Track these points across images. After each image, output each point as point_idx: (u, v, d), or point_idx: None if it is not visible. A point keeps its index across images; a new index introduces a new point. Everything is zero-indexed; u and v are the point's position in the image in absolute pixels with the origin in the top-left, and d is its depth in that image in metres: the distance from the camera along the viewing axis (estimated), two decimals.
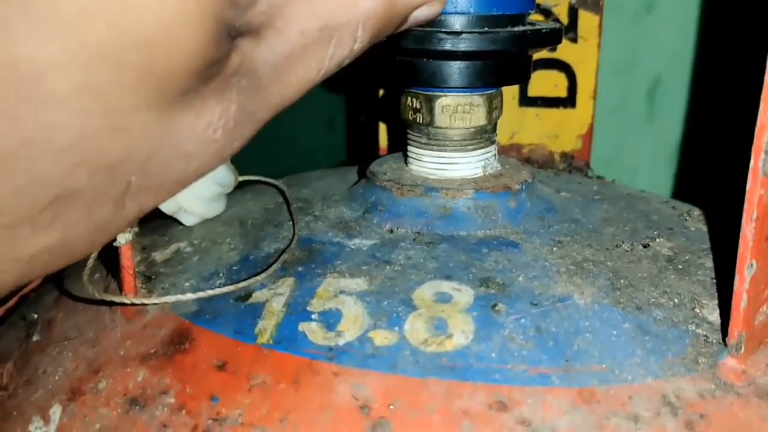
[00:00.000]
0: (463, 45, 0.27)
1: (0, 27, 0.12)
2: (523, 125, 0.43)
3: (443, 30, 0.27)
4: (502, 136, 0.43)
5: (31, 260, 0.15)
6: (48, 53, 0.13)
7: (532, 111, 0.43)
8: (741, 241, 0.21)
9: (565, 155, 0.43)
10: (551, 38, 0.28)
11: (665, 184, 0.63)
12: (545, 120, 0.43)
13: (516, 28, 0.28)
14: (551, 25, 0.29)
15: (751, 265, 0.21)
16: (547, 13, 0.41)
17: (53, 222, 0.14)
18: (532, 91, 0.43)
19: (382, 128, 0.43)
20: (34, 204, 0.14)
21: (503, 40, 0.27)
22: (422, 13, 0.21)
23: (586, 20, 0.41)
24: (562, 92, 0.42)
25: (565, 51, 0.41)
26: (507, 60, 0.28)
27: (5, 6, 0.12)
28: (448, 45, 0.27)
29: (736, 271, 0.22)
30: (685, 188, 0.62)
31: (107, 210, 0.15)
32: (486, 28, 0.27)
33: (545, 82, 0.42)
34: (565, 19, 0.41)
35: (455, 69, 0.28)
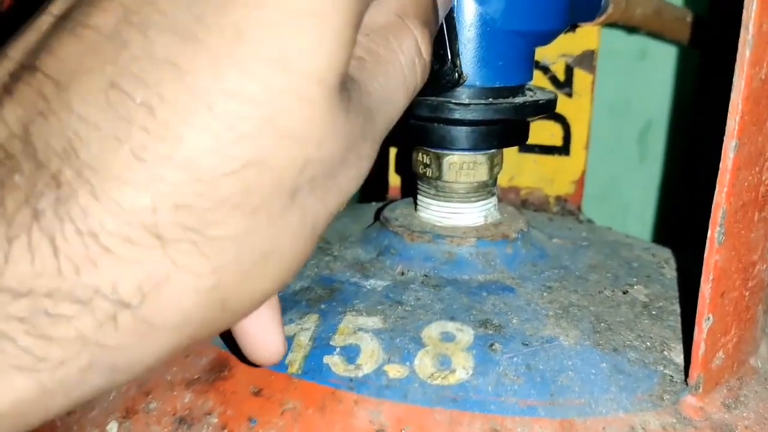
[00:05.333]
0: (470, 114, 0.31)
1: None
2: (522, 170, 0.47)
3: (453, 101, 0.31)
4: (503, 179, 0.47)
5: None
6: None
7: (530, 157, 0.47)
8: (699, 298, 0.25)
9: (559, 198, 0.47)
10: (547, 108, 0.33)
11: (654, 219, 0.67)
12: (542, 166, 0.47)
13: (516, 99, 0.32)
14: (547, 95, 0.33)
15: (708, 318, 0.25)
16: (545, 69, 0.45)
17: None
18: (531, 139, 0.46)
19: (393, 170, 0.47)
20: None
21: (505, 110, 0.31)
22: None
23: (581, 78, 0.45)
24: (558, 141, 0.46)
25: (561, 104, 0.45)
26: (508, 126, 0.33)
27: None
28: (456, 114, 0.31)
29: (696, 323, 0.26)
30: (672, 225, 0.66)
31: None
32: (490, 99, 0.31)
33: (543, 132, 0.46)
34: (561, 75, 0.45)
35: (462, 133, 0.32)
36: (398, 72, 0.20)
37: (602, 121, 0.56)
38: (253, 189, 0.17)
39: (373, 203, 0.45)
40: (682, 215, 0.65)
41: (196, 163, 0.16)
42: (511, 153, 0.47)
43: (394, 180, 0.48)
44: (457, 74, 0.30)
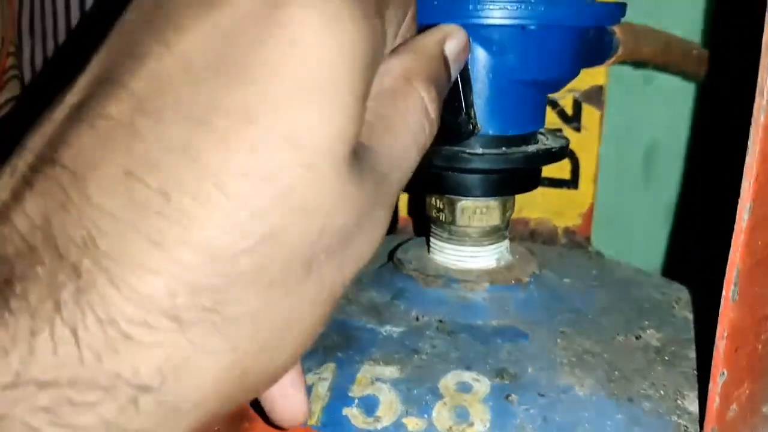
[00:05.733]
0: (484, 164, 0.31)
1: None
2: (531, 201, 0.48)
3: (467, 150, 0.31)
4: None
5: None
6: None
7: (539, 189, 0.47)
8: (714, 354, 0.26)
9: (567, 230, 0.48)
10: (559, 156, 0.33)
11: (660, 243, 0.67)
12: (550, 198, 0.47)
13: (530, 147, 0.32)
14: (559, 142, 0.34)
15: (723, 373, 0.26)
16: (553, 104, 0.46)
17: None
18: None
19: (403, 202, 0.48)
20: None
21: (518, 159, 0.32)
22: (452, 47, 0.23)
23: (589, 113, 0.45)
24: (566, 175, 0.47)
25: (570, 138, 0.46)
26: (521, 174, 0.33)
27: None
28: (471, 164, 0.31)
29: (711, 378, 0.26)
30: (678, 247, 0.67)
31: None
32: (503, 148, 0.32)
33: (552, 165, 0.47)
34: (570, 110, 0.46)
35: (476, 181, 0.33)
36: (407, 133, 0.21)
37: (608, 145, 0.57)
38: (268, 264, 0.17)
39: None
40: (687, 239, 0.66)
41: (211, 244, 0.16)
42: None
43: (404, 211, 0.49)
44: (471, 125, 0.30)
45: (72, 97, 0.18)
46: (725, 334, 0.25)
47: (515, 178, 0.33)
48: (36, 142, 0.17)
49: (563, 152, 0.33)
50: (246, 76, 0.17)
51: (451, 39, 0.23)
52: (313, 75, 0.17)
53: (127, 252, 0.16)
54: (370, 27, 0.18)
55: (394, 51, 0.22)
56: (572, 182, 0.47)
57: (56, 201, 0.16)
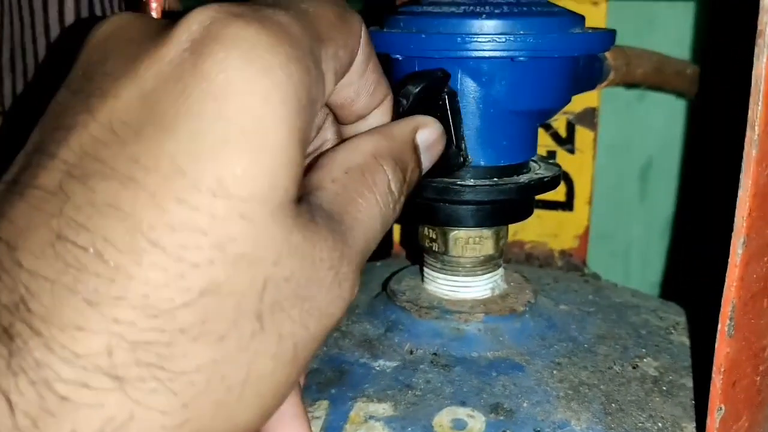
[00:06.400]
0: (476, 196, 0.31)
1: None
2: (526, 224, 0.47)
3: (458, 183, 0.31)
4: None
5: None
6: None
7: (534, 212, 0.47)
8: (711, 389, 0.25)
9: (563, 253, 0.47)
10: (551, 185, 0.33)
11: (657, 258, 0.67)
12: (545, 221, 0.47)
13: (521, 178, 0.32)
14: (552, 171, 0.33)
15: (720, 408, 0.25)
16: (547, 126, 0.46)
17: None
18: None
19: (396, 232, 0.47)
20: None
21: (509, 190, 0.31)
22: (424, 137, 0.24)
23: (582, 135, 0.45)
24: (561, 197, 0.46)
25: (563, 160, 0.46)
26: (514, 204, 0.33)
27: None
28: (462, 196, 0.31)
29: (708, 413, 0.26)
30: (675, 262, 0.66)
31: None
32: (495, 179, 0.31)
33: None
34: (563, 132, 0.46)
35: (468, 212, 0.32)
36: (372, 204, 0.21)
37: (602, 162, 0.57)
38: (214, 316, 0.17)
39: (378, 263, 0.45)
40: (685, 255, 0.65)
41: (148, 300, 0.16)
42: None
43: (398, 236, 0.48)
44: (462, 157, 0.30)
45: (8, 174, 0.18)
46: (722, 370, 0.25)
47: (508, 208, 0.33)
48: None
49: (555, 182, 0.33)
50: (171, 131, 0.17)
51: (424, 129, 0.24)
52: (238, 122, 0.17)
53: (59, 313, 0.16)
54: (302, 68, 0.18)
55: (367, 132, 0.23)
56: (567, 204, 0.46)
57: None
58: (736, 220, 0.24)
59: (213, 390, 0.17)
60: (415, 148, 0.24)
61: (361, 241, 0.20)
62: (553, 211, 0.47)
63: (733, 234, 0.24)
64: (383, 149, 0.22)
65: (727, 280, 0.24)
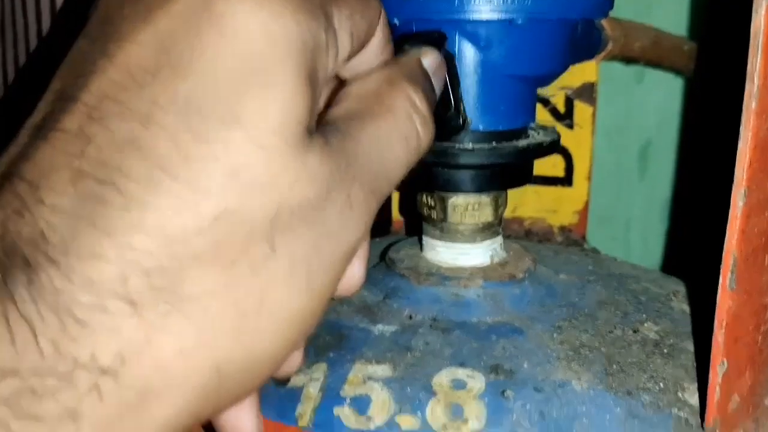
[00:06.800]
0: (474, 159, 0.31)
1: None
2: (524, 200, 0.47)
3: (456, 146, 0.31)
4: (506, 210, 0.47)
5: None
6: None
7: (532, 188, 0.47)
8: (713, 344, 0.25)
9: (563, 229, 0.47)
10: (550, 149, 0.33)
11: (657, 236, 0.67)
12: (544, 196, 0.47)
13: (520, 142, 0.32)
14: (550, 136, 0.33)
15: (722, 363, 0.25)
16: (545, 102, 0.45)
17: None
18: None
19: (396, 205, 0.47)
20: None
21: (509, 154, 0.31)
22: (429, 63, 0.25)
23: (581, 110, 0.45)
24: (560, 172, 0.46)
25: (562, 136, 0.46)
26: (512, 168, 0.33)
27: None
28: (461, 159, 0.31)
29: (710, 368, 0.26)
30: (675, 242, 0.66)
31: None
32: (494, 143, 0.31)
33: (545, 163, 0.46)
34: (562, 107, 0.45)
35: (467, 176, 0.32)
36: (390, 124, 0.21)
37: (602, 141, 0.57)
38: (226, 242, 0.17)
39: (377, 239, 0.44)
40: (684, 234, 0.65)
41: (163, 227, 0.17)
42: None
43: (398, 214, 0.48)
44: (461, 120, 0.30)
45: (33, 119, 0.19)
46: (724, 324, 0.25)
47: (506, 172, 0.33)
48: (1, 163, 0.18)
49: (554, 146, 0.33)
50: (185, 71, 0.17)
51: (426, 56, 0.25)
52: (249, 61, 0.18)
53: (77, 243, 0.16)
54: (310, 17, 0.19)
55: (377, 67, 0.23)
56: (566, 180, 0.46)
57: (13, 209, 0.17)
58: (736, 172, 0.24)
59: (227, 316, 0.17)
60: (425, 72, 0.24)
61: (377, 163, 0.20)
62: (552, 187, 0.47)
63: (733, 186, 0.24)
64: (396, 74, 0.23)
65: (727, 232, 0.24)
